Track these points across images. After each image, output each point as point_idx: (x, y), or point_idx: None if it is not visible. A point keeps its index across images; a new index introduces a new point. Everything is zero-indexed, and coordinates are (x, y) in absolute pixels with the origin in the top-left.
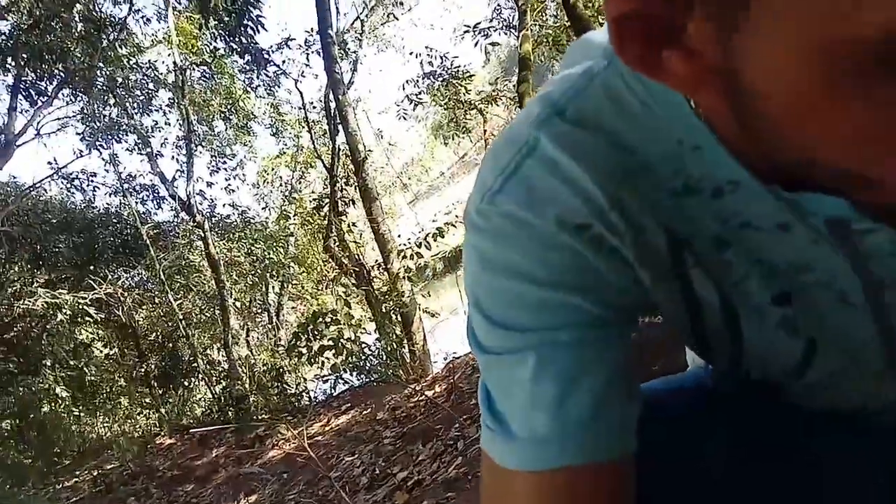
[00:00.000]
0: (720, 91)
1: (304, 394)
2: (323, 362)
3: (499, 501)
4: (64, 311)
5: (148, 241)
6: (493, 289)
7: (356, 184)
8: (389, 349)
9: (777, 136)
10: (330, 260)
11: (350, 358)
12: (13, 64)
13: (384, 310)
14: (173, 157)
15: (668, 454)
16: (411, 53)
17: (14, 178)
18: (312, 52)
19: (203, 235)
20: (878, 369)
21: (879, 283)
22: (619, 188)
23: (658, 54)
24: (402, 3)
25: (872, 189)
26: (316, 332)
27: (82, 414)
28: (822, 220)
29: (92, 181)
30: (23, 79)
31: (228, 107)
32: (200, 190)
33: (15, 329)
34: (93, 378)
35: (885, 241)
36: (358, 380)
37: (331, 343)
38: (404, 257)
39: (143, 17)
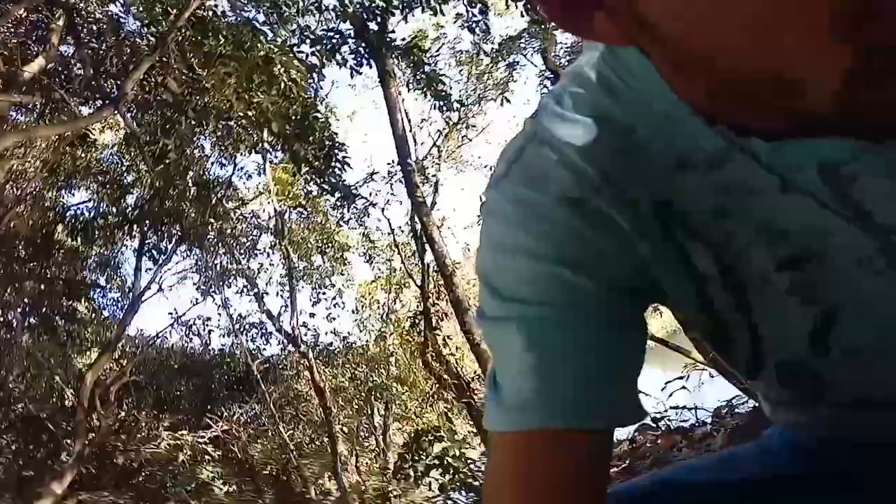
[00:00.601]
0: (650, 42)
1: None
2: (430, 483)
3: (488, 464)
4: (185, 451)
5: (258, 376)
6: (497, 264)
7: (448, 297)
8: None
9: (702, 68)
10: (430, 376)
11: (457, 476)
12: (138, 230)
13: None
14: (278, 293)
15: None
16: (486, 167)
17: (140, 330)
18: (395, 182)
19: (308, 365)
20: None
21: (892, 243)
22: (612, 166)
23: (590, 18)
24: (474, 126)
25: (809, 94)
26: (421, 452)
27: None
28: (814, 170)
29: (207, 325)
30: (146, 241)
31: (324, 241)
32: (304, 322)
33: (142, 473)
34: None
35: (876, 180)
36: (468, 500)
37: (436, 461)
38: None
39: (245, 173)
